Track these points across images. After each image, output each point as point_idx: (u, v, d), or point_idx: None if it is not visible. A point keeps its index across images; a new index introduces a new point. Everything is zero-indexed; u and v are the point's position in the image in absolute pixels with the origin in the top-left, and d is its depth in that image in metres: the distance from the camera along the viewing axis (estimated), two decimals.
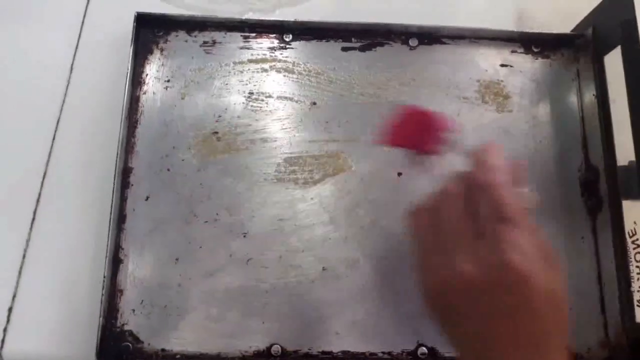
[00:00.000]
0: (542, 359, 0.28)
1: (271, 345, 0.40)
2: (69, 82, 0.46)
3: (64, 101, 0.45)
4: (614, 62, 0.44)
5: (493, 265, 0.28)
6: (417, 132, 0.36)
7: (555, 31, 0.48)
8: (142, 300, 0.41)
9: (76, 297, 0.41)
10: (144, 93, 0.45)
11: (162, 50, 0.46)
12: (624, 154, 0.42)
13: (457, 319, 0.30)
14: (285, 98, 0.46)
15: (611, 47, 0.44)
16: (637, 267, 0.40)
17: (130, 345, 0.40)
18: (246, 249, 0.42)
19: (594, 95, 0.45)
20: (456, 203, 0.31)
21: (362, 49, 0.47)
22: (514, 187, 0.31)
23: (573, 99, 0.47)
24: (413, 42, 0.47)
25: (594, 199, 0.44)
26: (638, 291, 0.40)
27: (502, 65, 0.47)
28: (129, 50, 0.44)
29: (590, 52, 0.46)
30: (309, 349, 0.40)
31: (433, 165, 0.36)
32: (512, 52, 0.48)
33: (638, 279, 0.40)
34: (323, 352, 0.41)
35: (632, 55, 0.41)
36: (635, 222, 0.40)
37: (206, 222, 0.42)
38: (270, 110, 0.45)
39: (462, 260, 0.29)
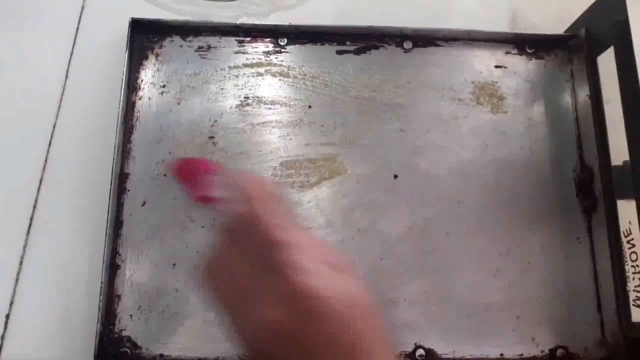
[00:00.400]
0: None
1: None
2: (64, 88, 0.46)
3: (59, 107, 0.45)
4: (607, 63, 0.44)
5: (291, 299, 0.25)
6: (190, 181, 0.34)
7: (548, 32, 0.48)
8: (140, 306, 0.41)
9: (74, 304, 0.41)
10: (140, 98, 0.45)
11: (157, 55, 0.46)
12: (618, 153, 0.43)
13: None
14: (281, 102, 0.46)
15: (604, 48, 0.44)
16: (632, 266, 0.41)
17: (128, 350, 0.40)
18: None
19: (587, 95, 0.45)
20: (234, 250, 0.28)
21: (357, 52, 0.47)
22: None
23: (567, 99, 0.47)
24: (407, 44, 0.48)
25: (589, 199, 0.44)
26: (634, 290, 0.40)
27: (497, 67, 0.48)
28: (124, 56, 0.44)
29: (583, 52, 0.46)
30: None
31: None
32: (506, 53, 0.48)
33: (634, 278, 0.40)
34: None
35: (625, 56, 0.41)
36: (630, 222, 0.41)
37: (203, 227, 0.42)
38: (266, 114, 0.45)
39: (262, 308, 0.26)
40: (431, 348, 0.41)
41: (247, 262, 0.27)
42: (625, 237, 0.41)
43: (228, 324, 0.28)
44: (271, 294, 0.26)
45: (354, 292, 0.26)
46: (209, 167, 0.34)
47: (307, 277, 0.25)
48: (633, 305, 0.40)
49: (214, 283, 0.29)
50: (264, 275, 0.26)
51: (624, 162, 0.42)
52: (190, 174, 0.34)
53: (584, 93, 0.46)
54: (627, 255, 0.41)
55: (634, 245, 0.41)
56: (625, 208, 0.41)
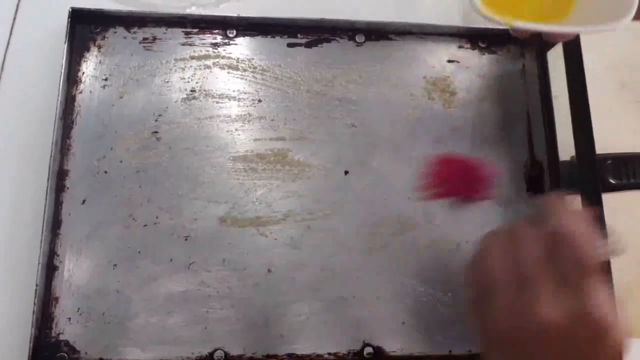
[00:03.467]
0: None
1: (214, 351, 0.39)
2: None
3: None
4: (557, 59, 0.44)
5: (576, 314, 0.28)
6: (463, 181, 0.37)
7: (501, 27, 0.48)
8: (79, 308, 0.39)
9: (8, 307, 0.39)
10: (80, 92, 0.43)
11: (99, 47, 0.44)
12: (568, 149, 0.43)
13: None
14: (229, 96, 0.44)
15: (553, 43, 0.44)
16: None
17: (66, 355, 0.38)
18: (188, 253, 0.41)
19: (538, 90, 0.45)
20: (536, 246, 0.30)
21: (308, 45, 0.46)
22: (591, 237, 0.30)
23: (519, 94, 0.47)
24: (360, 38, 0.47)
25: (539, 194, 0.44)
26: None
27: (449, 61, 0.47)
28: (63, 47, 0.42)
29: (534, 47, 0.46)
30: (253, 353, 0.40)
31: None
32: (459, 47, 0.48)
33: None
34: (268, 356, 0.40)
35: (572, 51, 0.41)
36: None
37: (145, 225, 0.41)
38: (213, 109, 0.44)
39: (544, 305, 0.29)
40: (379, 346, 0.41)
41: (544, 262, 0.29)
42: None
43: (486, 306, 0.31)
44: (560, 301, 0.28)
45: (623, 343, 0.29)
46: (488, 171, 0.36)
47: (603, 310, 0.28)
48: None
49: (496, 254, 0.31)
50: (559, 283, 0.29)
51: (572, 157, 0.42)
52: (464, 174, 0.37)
53: (535, 88, 0.46)
54: None
55: None
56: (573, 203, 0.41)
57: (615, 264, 0.38)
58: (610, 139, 0.44)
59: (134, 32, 0.45)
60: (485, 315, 0.31)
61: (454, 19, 0.49)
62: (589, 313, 0.28)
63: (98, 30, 0.45)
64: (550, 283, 0.29)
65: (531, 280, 0.29)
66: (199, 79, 0.44)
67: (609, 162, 0.40)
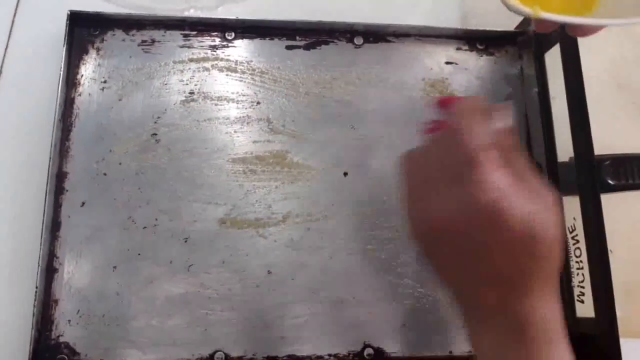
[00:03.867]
0: (520, 299, 0.28)
1: (214, 352, 0.39)
2: None
3: None
4: (555, 59, 0.44)
5: (466, 204, 0.28)
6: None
7: (499, 28, 0.48)
8: (79, 310, 0.39)
9: (8, 309, 0.39)
10: (79, 95, 0.43)
11: (98, 50, 0.44)
12: (566, 150, 0.43)
13: (442, 259, 0.31)
14: (228, 98, 0.44)
15: (552, 44, 0.44)
16: (576, 262, 0.41)
17: (66, 357, 0.38)
18: (187, 255, 0.41)
19: (536, 91, 0.45)
20: (438, 152, 0.32)
21: (307, 47, 0.46)
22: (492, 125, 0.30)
23: (517, 96, 0.47)
24: (358, 40, 0.47)
25: None
26: (578, 286, 0.41)
27: (447, 63, 0.47)
28: (61, 50, 0.42)
29: (532, 49, 0.46)
30: (254, 355, 0.40)
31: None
32: (457, 49, 0.48)
33: (578, 274, 0.41)
34: (268, 357, 0.40)
35: (570, 52, 0.41)
36: (574, 218, 0.41)
37: (145, 227, 0.41)
38: (212, 111, 0.44)
39: (437, 203, 0.30)
40: (379, 347, 0.41)
41: (443, 164, 0.30)
42: (570, 232, 0.41)
43: (407, 210, 0.32)
44: (453, 197, 0.29)
45: (539, 224, 0.28)
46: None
47: (490, 197, 0.28)
48: (577, 300, 0.40)
49: (410, 168, 0.33)
50: (454, 180, 0.29)
51: (570, 158, 0.42)
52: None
53: (533, 90, 0.46)
54: (572, 251, 0.41)
55: (578, 241, 0.41)
56: (570, 204, 0.41)
57: (615, 264, 0.38)
58: (608, 140, 0.45)
59: (133, 35, 0.45)
60: (409, 217, 0.32)
61: (452, 21, 0.50)
62: (476, 201, 0.28)
63: (97, 33, 0.45)
64: (444, 180, 0.30)
65: (433, 182, 0.31)
66: (197, 81, 0.45)
67: (607, 162, 0.40)
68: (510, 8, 0.34)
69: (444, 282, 0.32)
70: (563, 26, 0.36)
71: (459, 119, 0.31)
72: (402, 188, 0.33)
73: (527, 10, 0.34)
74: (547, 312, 0.28)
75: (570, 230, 0.41)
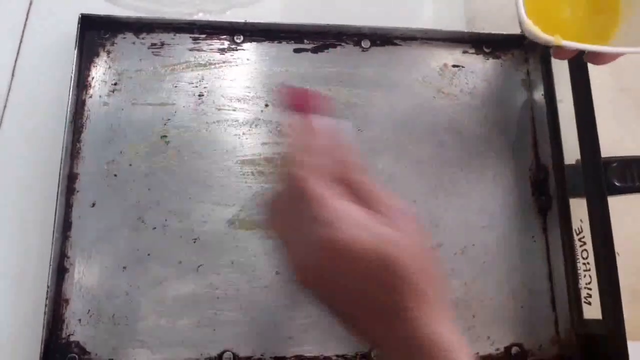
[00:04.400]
0: (406, 327, 0.26)
1: (223, 352, 0.40)
2: (10, 87, 0.44)
3: (5, 106, 0.44)
4: (561, 63, 0.44)
5: (317, 246, 0.27)
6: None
7: (505, 32, 0.48)
8: (89, 310, 0.40)
9: (20, 308, 0.40)
10: (90, 97, 0.44)
11: (108, 52, 0.45)
12: (572, 152, 0.43)
13: (329, 301, 0.29)
14: (237, 100, 0.45)
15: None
16: (583, 264, 0.41)
17: (76, 356, 0.39)
18: (197, 255, 0.41)
19: (542, 95, 0.46)
20: (285, 191, 0.30)
21: (314, 50, 0.47)
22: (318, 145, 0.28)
23: (524, 98, 0.48)
24: (365, 43, 0.47)
25: (544, 198, 0.45)
26: (585, 287, 0.41)
27: (454, 66, 0.48)
28: (73, 53, 0.43)
29: (538, 52, 0.46)
30: (262, 355, 0.40)
31: None
32: (464, 52, 0.48)
33: (585, 276, 0.41)
34: (276, 358, 0.40)
35: (577, 55, 0.41)
36: (581, 220, 0.41)
37: (155, 228, 0.41)
38: (221, 113, 0.44)
39: (302, 248, 0.28)
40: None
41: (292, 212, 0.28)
42: (577, 235, 0.42)
43: (286, 255, 0.30)
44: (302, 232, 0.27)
45: (387, 252, 0.26)
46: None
47: (331, 230, 0.26)
48: (584, 302, 0.40)
49: (271, 218, 0.31)
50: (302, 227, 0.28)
51: (577, 160, 0.42)
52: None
53: (539, 93, 0.46)
54: (579, 252, 0.41)
55: (585, 243, 0.41)
56: (577, 206, 0.42)
57: (621, 268, 0.38)
58: (613, 143, 0.45)
59: (143, 38, 0.46)
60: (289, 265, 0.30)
61: (458, 25, 0.50)
62: (320, 238, 0.26)
63: (107, 36, 0.45)
64: (299, 221, 0.28)
65: (292, 225, 0.29)
66: (206, 84, 0.45)
67: (614, 165, 0.41)
68: (530, 36, 0.35)
69: (341, 323, 0.29)
70: (581, 54, 0.37)
71: (288, 148, 0.29)
72: (272, 238, 0.31)
73: (549, 38, 0.34)
74: (439, 334, 0.26)
75: (577, 232, 0.42)
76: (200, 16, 0.47)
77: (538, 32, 0.35)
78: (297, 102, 0.31)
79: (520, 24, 0.35)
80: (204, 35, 0.46)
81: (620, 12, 0.38)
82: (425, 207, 0.44)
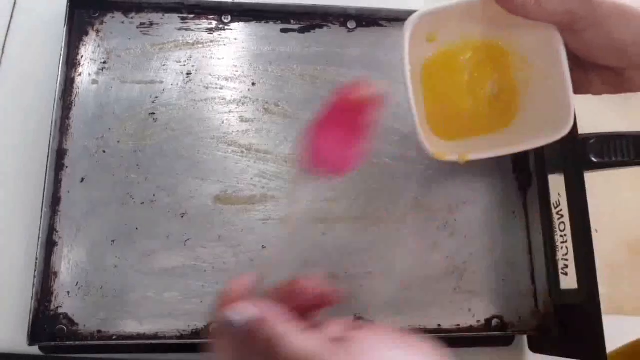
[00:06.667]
0: None
1: (210, 324, 0.40)
2: (0, 64, 0.45)
3: None
4: None
5: None
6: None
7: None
8: (77, 282, 0.40)
9: (9, 281, 0.41)
10: (79, 75, 0.44)
11: (97, 31, 0.46)
12: None
13: None
14: (224, 79, 0.46)
15: None
16: (561, 236, 0.42)
17: (65, 327, 0.39)
18: (184, 230, 0.42)
19: None
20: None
21: (301, 30, 0.48)
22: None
23: None
24: (351, 24, 0.48)
25: (525, 174, 0.46)
26: (562, 259, 0.42)
27: None
28: (62, 31, 0.43)
29: None
30: None
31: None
32: None
33: (562, 248, 0.42)
34: None
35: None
36: (559, 194, 0.42)
37: (143, 203, 0.42)
38: (208, 91, 0.45)
39: None
40: (371, 319, 0.42)
41: None
42: (555, 208, 0.43)
43: None
44: None
45: None
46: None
47: None
48: (561, 273, 0.41)
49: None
50: None
51: None
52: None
53: None
54: (557, 225, 0.43)
55: (562, 216, 0.42)
56: (555, 182, 0.43)
57: (604, 245, 0.39)
58: (592, 119, 0.46)
59: (132, 18, 0.46)
60: None
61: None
62: None
63: (96, 15, 0.46)
64: None
65: None
66: (194, 63, 0.46)
67: (592, 141, 0.42)
68: (438, 159, 0.38)
69: None
70: None
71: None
72: None
73: (454, 158, 0.39)
74: None
75: (555, 205, 0.43)
76: None
77: (441, 156, 0.38)
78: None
79: (426, 152, 0.38)
80: (192, 15, 0.47)
81: (518, 92, 0.41)
82: (409, 184, 0.45)
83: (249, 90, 0.46)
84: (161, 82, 0.45)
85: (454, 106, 0.41)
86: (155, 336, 0.40)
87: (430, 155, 0.38)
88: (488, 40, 0.40)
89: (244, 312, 0.26)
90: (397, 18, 0.48)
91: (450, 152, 0.39)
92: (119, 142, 0.43)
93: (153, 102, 0.44)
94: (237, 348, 0.27)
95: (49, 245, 0.41)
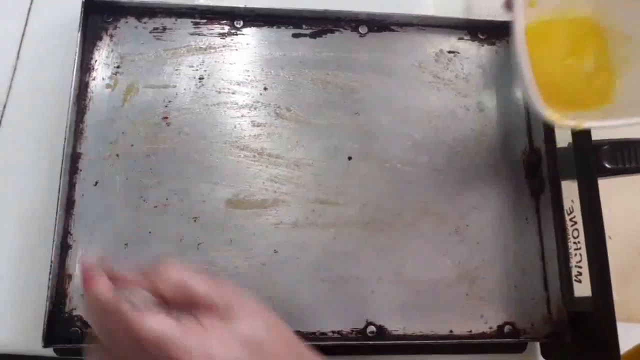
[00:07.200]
0: None
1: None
2: (15, 69, 0.45)
3: (10, 88, 0.45)
4: None
5: None
6: None
7: (500, 19, 0.49)
8: None
9: (25, 284, 0.41)
10: (93, 79, 0.45)
11: (111, 36, 0.46)
12: (565, 136, 0.44)
13: None
14: (236, 83, 0.46)
15: None
16: (574, 243, 0.42)
17: (79, 330, 0.40)
18: (197, 234, 0.42)
19: None
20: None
21: (313, 35, 0.48)
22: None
23: (517, 84, 0.48)
24: (363, 29, 0.48)
25: (537, 180, 0.45)
26: (576, 266, 0.42)
27: (449, 52, 0.48)
28: (76, 36, 0.44)
29: None
30: None
31: None
32: (459, 39, 0.49)
33: (575, 255, 0.42)
34: None
35: None
36: (572, 201, 0.42)
37: (156, 207, 0.42)
38: (220, 96, 0.45)
39: None
40: (382, 325, 0.42)
41: None
42: (569, 214, 0.42)
43: None
44: None
45: None
46: None
47: None
48: (575, 280, 0.41)
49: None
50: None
51: (569, 144, 0.43)
52: None
53: None
54: (570, 232, 0.42)
55: (575, 223, 0.42)
56: (568, 188, 0.42)
57: (612, 250, 0.39)
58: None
59: (145, 22, 0.47)
60: None
61: (454, 11, 0.51)
62: None
63: (110, 20, 0.46)
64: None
65: None
66: (207, 67, 0.46)
67: (605, 147, 0.41)
68: (555, 124, 0.36)
69: None
70: None
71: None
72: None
73: (573, 124, 0.36)
74: None
75: (569, 212, 0.42)
76: (201, 1, 0.48)
77: (559, 119, 0.35)
78: None
79: (541, 115, 0.36)
80: (204, 20, 0.47)
81: (615, 72, 0.39)
82: (421, 189, 0.45)
83: (260, 94, 0.46)
84: (174, 87, 0.45)
85: (546, 76, 0.39)
86: None
87: (546, 118, 0.35)
88: (587, 17, 0.39)
89: (100, 288, 0.29)
90: (409, 23, 0.49)
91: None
92: (132, 146, 0.44)
93: (166, 106, 0.45)
94: (101, 320, 0.29)
95: (64, 248, 0.41)
